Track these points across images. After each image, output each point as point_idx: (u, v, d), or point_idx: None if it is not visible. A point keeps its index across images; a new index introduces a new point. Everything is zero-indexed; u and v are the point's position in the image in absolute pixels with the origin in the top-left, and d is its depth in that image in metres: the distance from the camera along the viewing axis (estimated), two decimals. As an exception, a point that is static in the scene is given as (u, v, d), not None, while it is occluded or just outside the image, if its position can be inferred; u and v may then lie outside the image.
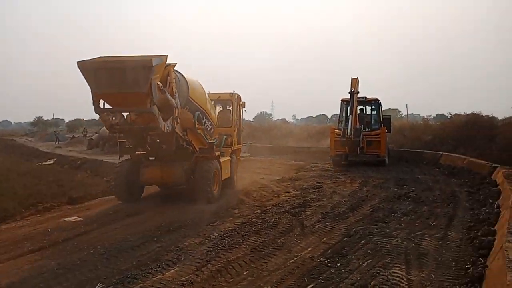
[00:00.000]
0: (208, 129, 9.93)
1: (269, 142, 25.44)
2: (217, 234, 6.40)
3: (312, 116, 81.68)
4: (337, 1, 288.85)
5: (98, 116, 8.07)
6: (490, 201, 7.96)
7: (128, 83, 7.13)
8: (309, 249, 5.68)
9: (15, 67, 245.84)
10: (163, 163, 9.14)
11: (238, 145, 12.27)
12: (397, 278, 4.50)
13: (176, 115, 8.14)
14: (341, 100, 16.92)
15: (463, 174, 12.49)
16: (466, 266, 4.77)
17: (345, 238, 6.13)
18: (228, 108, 11.97)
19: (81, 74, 7.26)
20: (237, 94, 11.88)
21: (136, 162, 9.39)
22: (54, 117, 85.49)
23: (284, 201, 9.02)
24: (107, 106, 7.81)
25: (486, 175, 11.14)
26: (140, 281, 4.61)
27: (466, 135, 17.51)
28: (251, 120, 49.38)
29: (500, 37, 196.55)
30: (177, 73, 8.49)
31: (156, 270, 4.93)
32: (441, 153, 16.67)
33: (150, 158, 9.48)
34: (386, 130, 16.22)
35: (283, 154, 21.56)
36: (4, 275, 5.00)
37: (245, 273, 4.84)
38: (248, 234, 6.39)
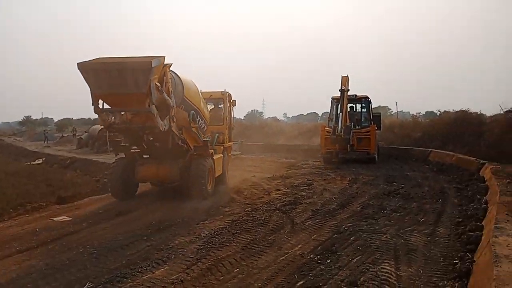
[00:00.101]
0: (202, 127, 10.06)
1: (260, 140, 25.42)
2: (207, 232, 6.40)
3: (303, 114, 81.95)
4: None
5: (97, 116, 8.13)
6: (478, 197, 8.06)
7: (127, 84, 7.20)
8: (299, 246, 5.70)
9: (3, 66, 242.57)
10: (159, 161, 9.25)
11: (230, 143, 12.53)
12: (386, 274, 4.54)
13: (173, 114, 8.24)
14: (331, 98, 17.02)
15: (451, 170, 12.64)
16: (454, 261, 4.82)
17: (335, 235, 6.17)
18: (219, 106, 12.13)
19: (79, 74, 7.28)
20: (228, 92, 12.02)
21: (131, 160, 9.51)
22: (43, 117, 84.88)
23: (274, 198, 9.05)
24: (106, 106, 7.86)
25: (474, 171, 11.29)
26: (129, 280, 4.58)
27: (455, 132, 17.67)
28: (242, 118, 49.47)
29: (489, 37, 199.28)
30: (172, 73, 8.57)
31: (146, 269, 4.91)
32: (430, 150, 16.82)
33: (145, 156, 9.59)
34: (376, 128, 16.30)
35: (274, 152, 21.62)
36: (-9, 275, 4.93)
37: (235, 270, 4.84)
38: (239, 232, 6.40)
